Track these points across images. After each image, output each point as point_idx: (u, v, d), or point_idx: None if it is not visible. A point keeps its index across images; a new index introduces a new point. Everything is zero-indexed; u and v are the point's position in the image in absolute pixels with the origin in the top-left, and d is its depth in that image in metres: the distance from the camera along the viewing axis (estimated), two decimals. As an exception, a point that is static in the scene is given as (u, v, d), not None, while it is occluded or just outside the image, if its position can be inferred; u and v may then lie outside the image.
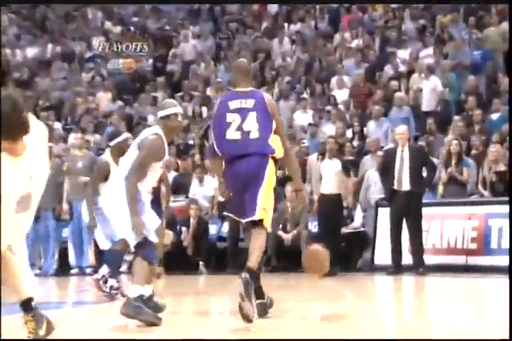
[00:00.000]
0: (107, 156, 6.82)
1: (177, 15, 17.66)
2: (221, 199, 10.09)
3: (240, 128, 4.72)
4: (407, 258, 8.73)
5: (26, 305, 3.56)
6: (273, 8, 16.46)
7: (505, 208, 8.44)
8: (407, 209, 8.68)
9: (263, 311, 4.72)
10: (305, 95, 13.27)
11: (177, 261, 9.79)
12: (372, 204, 9.74)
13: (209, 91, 14.38)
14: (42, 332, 3.60)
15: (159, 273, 8.08)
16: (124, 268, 8.24)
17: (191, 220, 10.27)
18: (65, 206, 10.17)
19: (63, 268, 10.40)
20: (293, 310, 5.31)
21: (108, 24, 17.61)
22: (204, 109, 13.71)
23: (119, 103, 14.66)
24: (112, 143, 6.80)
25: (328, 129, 11.73)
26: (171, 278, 9.12)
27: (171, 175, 10.80)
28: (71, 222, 10.25)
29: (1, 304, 3.02)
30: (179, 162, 11.48)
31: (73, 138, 12.40)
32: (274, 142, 4.80)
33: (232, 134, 4.73)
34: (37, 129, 3.04)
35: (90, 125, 13.46)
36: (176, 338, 4.27)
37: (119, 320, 4.70)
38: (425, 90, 11.88)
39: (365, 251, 9.64)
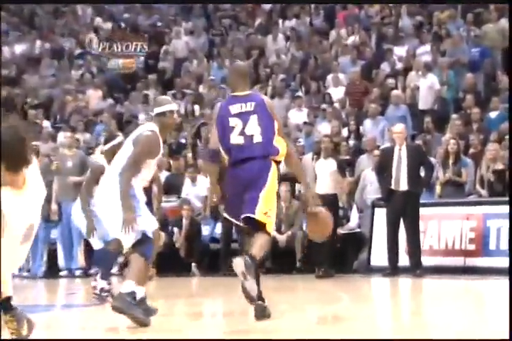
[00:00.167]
0: (101, 159, 6.82)
1: (169, 12, 17.64)
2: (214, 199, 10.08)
3: (242, 132, 4.79)
4: (404, 260, 8.74)
5: (5, 305, 3.54)
6: (267, 4, 16.46)
7: (504, 208, 8.45)
8: (404, 210, 8.69)
9: (262, 313, 4.71)
10: (300, 93, 13.28)
11: (169, 263, 9.78)
12: (369, 205, 9.75)
13: (202, 89, 14.37)
14: (24, 332, 3.59)
15: (151, 275, 8.06)
16: (115, 270, 8.23)
17: (183, 221, 10.26)
18: (54, 206, 10.13)
19: (52, 270, 10.37)
20: (288, 312, 5.31)
21: (98, 20, 17.58)
22: (196, 107, 13.70)
23: (110, 101, 14.64)
24: (106, 147, 6.80)
25: (324, 128, 11.73)
26: (163, 280, 9.11)
27: (163, 175, 10.78)
28: (60, 222, 10.22)
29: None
30: (171, 161, 11.46)
31: (62, 136, 12.38)
32: (279, 143, 4.85)
33: (235, 139, 4.80)
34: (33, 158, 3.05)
35: (80, 123, 13.44)
36: (169, 338, 4.27)
37: (110, 322, 4.69)
38: (422, 88, 11.90)
39: (361, 253, 9.65)
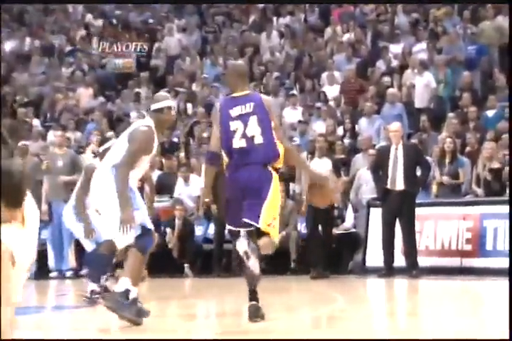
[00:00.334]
0: (95, 162, 6.82)
1: (161, 9, 17.62)
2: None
3: (244, 135, 4.82)
4: (400, 261, 8.75)
5: None
6: (260, 4, 16.44)
7: (501, 208, 8.48)
8: (400, 210, 8.70)
9: (256, 313, 4.72)
10: (294, 91, 13.28)
11: (162, 264, 9.77)
12: (364, 204, 9.76)
13: (195, 87, 14.37)
14: None
15: (143, 276, 8.06)
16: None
17: (176, 221, 10.25)
18: (44, 207, 10.11)
19: (42, 272, 10.34)
20: (283, 313, 5.32)
21: (89, 17, 17.55)
22: (189, 105, 13.69)
23: (101, 99, 14.60)
24: (101, 149, 6.81)
25: (319, 127, 11.75)
26: (156, 281, 9.11)
27: (155, 174, 10.78)
28: (50, 223, 10.20)
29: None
30: (163, 160, 11.45)
31: (53, 135, 12.35)
32: (278, 146, 4.88)
33: (237, 143, 4.82)
34: None
35: (71, 122, 13.41)
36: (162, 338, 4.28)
37: (101, 323, 4.69)
38: (418, 86, 11.92)
39: (357, 253, 9.66)
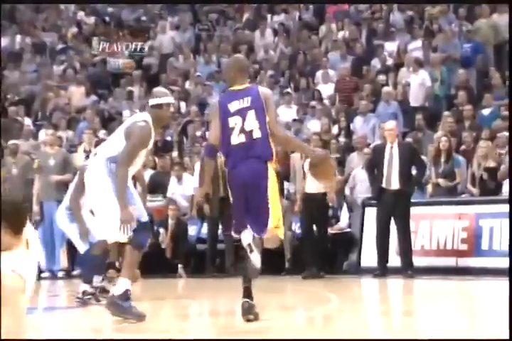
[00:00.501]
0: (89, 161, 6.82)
1: (154, 6, 17.59)
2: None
3: (242, 129, 4.87)
4: (395, 260, 8.77)
5: None
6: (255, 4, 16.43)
7: (497, 207, 8.51)
8: (395, 209, 8.71)
9: (249, 310, 4.74)
10: (289, 90, 13.29)
11: (155, 264, 9.77)
12: (359, 204, 9.77)
13: (188, 86, 14.35)
14: None
15: (136, 277, 8.05)
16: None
17: (169, 221, 10.24)
18: (36, 207, 10.08)
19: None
20: (277, 313, 5.32)
21: (81, 14, 17.51)
22: (183, 104, 13.68)
23: (93, 97, 14.58)
24: (95, 150, 6.81)
25: (313, 125, 11.75)
26: (149, 282, 9.10)
27: (148, 173, 10.76)
28: (42, 223, 10.17)
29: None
30: (156, 159, 11.44)
31: (44, 134, 12.33)
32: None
33: (236, 139, 4.87)
34: None
35: (62, 121, 13.38)
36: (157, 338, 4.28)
37: (94, 324, 4.69)
38: (413, 84, 11.94)
39: (352, 253, 9.67)
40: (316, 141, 9.37)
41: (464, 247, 8.67)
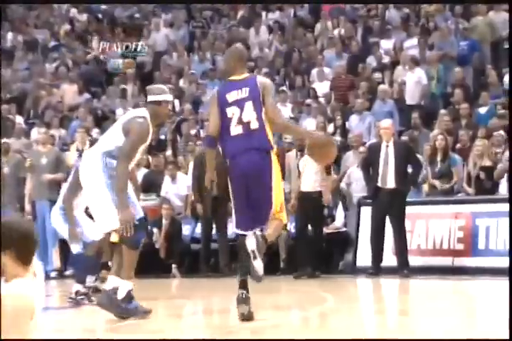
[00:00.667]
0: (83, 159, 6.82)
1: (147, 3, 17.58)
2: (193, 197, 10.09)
3: (240, 120, 4.92)
4: (391, 260, 8.78)
5: None
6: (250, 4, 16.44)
7: (493, 206, 8.53)
8: (390, 208, 8.72)
9: (244, 301, 4.79)
10: (284, 88, 13.29)
11: (149, 264, 9.75)
12: (355, 203, 9.78)
13: (182, 84, 14.35)
14: None
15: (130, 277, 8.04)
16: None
17: (163, 221, 10.23)
18: (28, 206, 10.06)
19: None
20: (273, 313, 5.33)
21: (73, 12, 17.48)
22: (176, 102, 13.67)
23: (86, 95, 14.56)
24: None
25: (309, 124, 11.76)
26: (142, 282, 9.07)
27: (142, 172, 10.76)
28: (34, 222, 10.16)
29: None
30: (150, 158, 11.43)
31: (36, 132, 12.31)
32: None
33: (234, 130, 4.92)
34: None
35: (55, 119, 13.36)
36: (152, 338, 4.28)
37: (86, 324, 4.69)
38: (409, 83, 11.96)
39: (347, 253, 9.68)
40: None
41: (460, 247, 8.68)
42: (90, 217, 6.72)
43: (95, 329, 4.86)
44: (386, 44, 13.31)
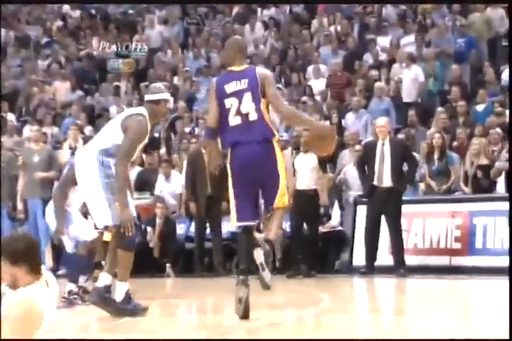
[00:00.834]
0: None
1: (142, -1, 17.54)
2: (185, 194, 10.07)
3: (238, 111, 4.96)
4: (387, 259, 8.79)
5: None
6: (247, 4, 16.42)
7: (490, 205, 8.54)
8: (386, 207, 8.73)
9: (244, 282, 4.89)
10: (279, 85, 13.27)
11: (142, 263, 9.73)
12: (351, 202, 9.78)
13: (176, 81, 14.32)
14: None
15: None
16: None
17: (157, 220, 10.22)
18: (20, 205, 10.03)
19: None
20: (268, 313, 5.34)
21: (66, 8, 17.44)
22: (171, 99, 13.64)
23: (79, 93, 14.53)
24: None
25: (304, 121, 11.73)
26: (136, 281, 9.03)
27: (135, 171, 10.74)
28: (26, 221, 10.14)
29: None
30: (144, 156, 11.41)
31: (29, 130, 12.27)
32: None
33: (233, 120, 4.96)
34: None
35: (47, 117, 13.33)
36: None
37: (79, 324, 4.68)
38: (406, 80, 11.96)
39: (343, 252, 9.69)
40: (306, 137, 9.36)
41: (457, 246, 8.70)
42: (84, 216, 6.72)
43: (89, 329, 4.85)
44: (383, 41, 13.31)
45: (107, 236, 5.84)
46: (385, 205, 8.72)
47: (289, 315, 5.55)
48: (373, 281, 8.56)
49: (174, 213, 10.70)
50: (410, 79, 11.90)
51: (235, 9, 16.17)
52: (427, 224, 9.02)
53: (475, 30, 12.48)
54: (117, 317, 4.95)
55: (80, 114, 13.21)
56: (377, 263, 8.82)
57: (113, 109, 13.21)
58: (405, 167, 8.99)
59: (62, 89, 14.58)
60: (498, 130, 9.69)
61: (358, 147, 10.13)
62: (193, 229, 10.43)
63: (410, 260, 8.74)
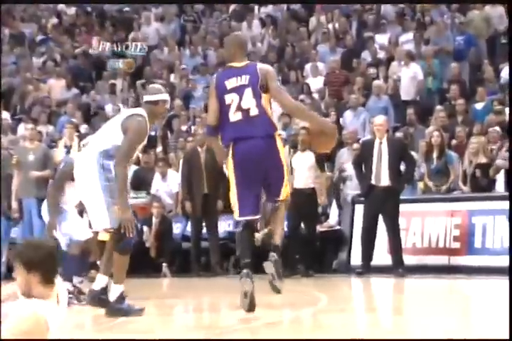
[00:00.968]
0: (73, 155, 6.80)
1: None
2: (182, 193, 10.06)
3: (239, 107, 4.99)
4: (385, 259, 8.79)
5: None
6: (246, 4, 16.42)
7: (489, 204, 8.55)
8: (383, 206, 8.73)
9: (247, 276, 5.01)
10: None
11: (139, 263, 9.73)
12: (349, 201, 9.79)
13: (173, 79, 14.32)
14: None
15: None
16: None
17: (154, 219, 10.22)
18: (14, 204, 10.02)
19: (12, 271, 10.27)
20: (266, 313, 5.34)
21: (61, 5, 17.42)
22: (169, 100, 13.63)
23: (74, 91, 14.52)
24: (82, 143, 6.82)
25: (302, 120, 11.75)
26: (132, 281, 9.02)
27: (131, 169, 10.72)
28: (21, 220, 10.13)
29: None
30: (140, 155, 11.40)
31: (23, 128, 12.26)
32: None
33: (233, 116, 4.99)
34: None
35: (42, 115, 13.32)
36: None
37: (74, 324, 4.68)
38: (404, 78, 11.97)
39: (341, 251, 9.69)
40: (304, 136, 9.38)
41: (456, 245, 8.71)
42: (80, 214, 6.72)
43: (84, 329, 4.85)
44: (381, 39, 13.32)
45: (104, 236, 5.84)
46: (383, 204, 8.72)
47: (287, 314, 5.56)
48: (372, 281, 8.56)
49: (171, 212, 10.70)
50: (409, 77, 11.91)
51: (232, 6, 16.17)
52: (425, 223, 9.02)
53: (474, 27, 12.49)
54: (113, 317, 4.95)
55: (75, 112, 13.20)
56: (375, 262, 8.82)
57: (109, 107, 13.20)
58: (403, 166, 8.99)
59: (57, 87, 14.57)
60: (497, 128, 9.69)
61: (356, 145, 10.14)
62: (189, 228, 10.43)
63: (409, 259, 8.75)
